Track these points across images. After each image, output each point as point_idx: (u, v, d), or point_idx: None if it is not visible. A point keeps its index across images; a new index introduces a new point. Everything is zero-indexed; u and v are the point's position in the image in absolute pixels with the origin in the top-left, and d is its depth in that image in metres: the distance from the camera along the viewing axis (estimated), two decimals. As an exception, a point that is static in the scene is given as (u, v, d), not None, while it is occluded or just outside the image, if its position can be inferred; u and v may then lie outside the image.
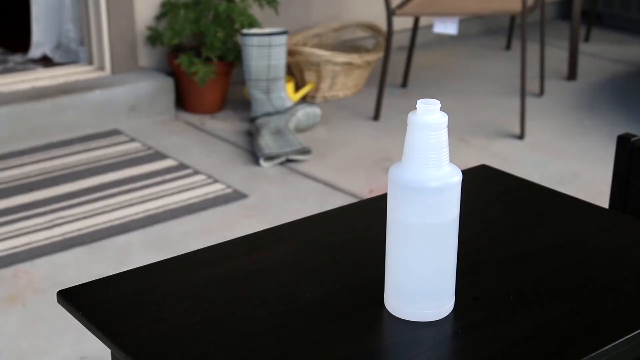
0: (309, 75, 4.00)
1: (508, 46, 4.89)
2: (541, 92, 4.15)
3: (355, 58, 4.00)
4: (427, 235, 1.11)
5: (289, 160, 3.37)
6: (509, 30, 4.89)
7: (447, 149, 1.10)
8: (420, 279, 1.12)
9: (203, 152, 3.46)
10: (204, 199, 3.04)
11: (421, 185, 1.09)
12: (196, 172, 3.26)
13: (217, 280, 1.23)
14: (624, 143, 1.57)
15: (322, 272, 1.25)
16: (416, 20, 4.17)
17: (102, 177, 3.20)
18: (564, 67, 4.48)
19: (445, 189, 1.10)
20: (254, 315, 1.14)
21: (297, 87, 4.02)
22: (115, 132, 3.63)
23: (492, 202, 1.50)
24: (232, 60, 3.78)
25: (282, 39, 3.64)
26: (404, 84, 4.25)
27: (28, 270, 2.59)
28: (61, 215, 2.91)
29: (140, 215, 2.91)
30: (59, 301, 1.19)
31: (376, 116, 3.83)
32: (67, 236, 2.77)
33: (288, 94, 3.75)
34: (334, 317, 1.14)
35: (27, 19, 4.16)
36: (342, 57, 3.96)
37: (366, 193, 3.10)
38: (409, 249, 1.12)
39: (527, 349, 1.08)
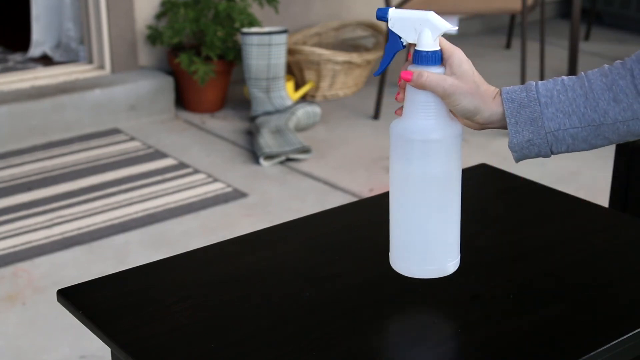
0: (309, 74, 3.99)
1: (508, 45, 4.89)
2: (541, 91, 4.14)
3: (355, 57, 4.00)
4: (429, 188, 1.10)
5: (288, 159, 3.37)
6: (509, 29, 4.89)
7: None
8: (425, 233, 1.11)
9: (203, 151, 3.46)
10: (203, 198, 3.04)
11: (423, 136, 1.09)
12: (196, 171, 3.26)
13: (217, 280, 1.23)
14: (623, 142, 1.57)
15: (322, 272, 1.24)
16: (416, 19, 4.16)
17: (102, 176, 3.19)
18: (564, 66, 4.47)
19: (446, 139, 1.10)
20: (254, 314, 1.14)
21: (297, 86, 4.02)
22: (115, 131, 3.63)
23: (491, 201, 1.50)
24: (232, 59, 3.78)
25: (282, 38, 3.64)
26: (404, 82, 4.24)
27: (28, 269, 2.59)
28: (61, 214, 2.91)
29: (140, 214, 2.91)
30: (58, 300, 1.19)
31: (376, 115, 3.82)
32: (66, 235, 2.77)
33: (288, 93, 3.75)
34: (334, 317, 1.14)
35: (27, 18, 4.16)
36: (342, 56, 3.96)
37: (366, 192, 3.10)
38: (412, 202, 1.10)
39: (527, 348, 1.08)
